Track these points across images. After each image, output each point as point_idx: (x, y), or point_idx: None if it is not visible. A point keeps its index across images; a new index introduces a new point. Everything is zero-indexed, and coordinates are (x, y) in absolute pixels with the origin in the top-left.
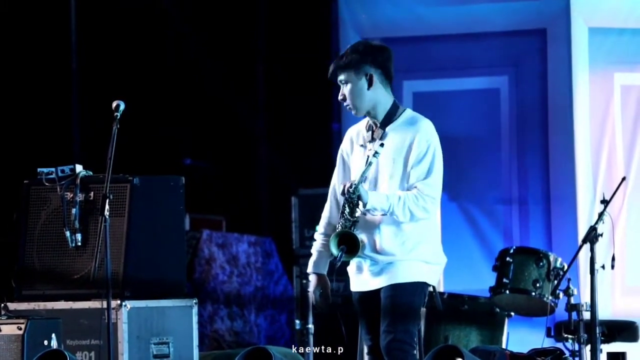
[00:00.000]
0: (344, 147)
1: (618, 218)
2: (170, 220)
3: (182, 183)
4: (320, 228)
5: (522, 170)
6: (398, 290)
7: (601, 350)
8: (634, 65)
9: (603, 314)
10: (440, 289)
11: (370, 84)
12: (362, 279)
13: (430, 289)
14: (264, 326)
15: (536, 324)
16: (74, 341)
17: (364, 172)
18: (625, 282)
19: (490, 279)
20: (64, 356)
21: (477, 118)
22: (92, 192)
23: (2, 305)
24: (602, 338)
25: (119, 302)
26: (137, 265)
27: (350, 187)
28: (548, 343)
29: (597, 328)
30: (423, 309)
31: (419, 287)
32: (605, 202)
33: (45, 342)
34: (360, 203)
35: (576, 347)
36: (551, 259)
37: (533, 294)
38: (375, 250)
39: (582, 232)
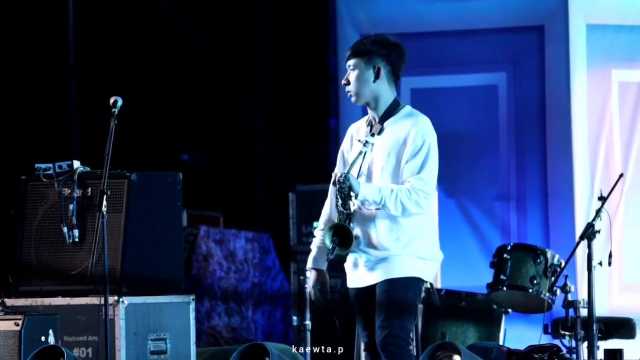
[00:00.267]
0: (344, 144)
1: (615, 215)
2: (167, 217)
3: (179, 179)
4: (320, 224)
5: (519, 167)
6: (393, 285)
7: (598, 347)
8: (632, 62)
9: (600, 310)
10: (438, 285)
11: (377, 77)
12: (358, 274)
13: (427, 285)
14: (261, 322)
15: (533, 321)
16: (71, 337)
17: (354, 161)
18: (623, 279)
19: (488, 276)
20: (61, 352)
21: (475, 114)
22: (89, 188)
23: (0, 301)
24: (599, 335)
25: (116, 298)
26: (134, 262)
27: (341, 176)
28: (545, 340)
29: (594, 325)
30: (420, 306)
31: (414, 282)
32: (602, 199)
33: (43, 338)
34: (352, 194)
35: (573, 343)
36: (548, 255)
37: (530, 290)
38: (370, 245)
39: (579, 229)
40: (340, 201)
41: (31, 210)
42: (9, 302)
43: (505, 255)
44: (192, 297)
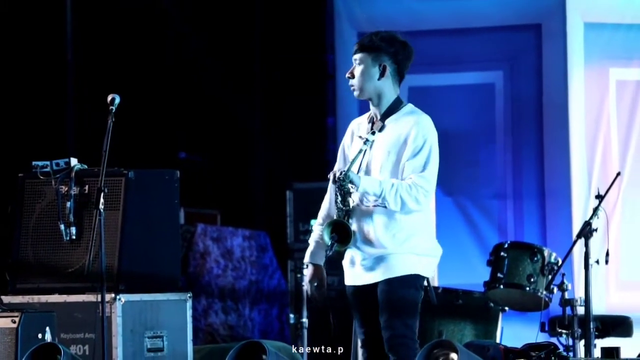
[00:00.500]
0: (345, 140)
1: (613, 213)
2: (165, 214)
3: (177, 177)
4: (319, 219)
5: (516, 165)
6: (393, 284)
7: (595, 345)
8: (630, 60)
9: (597, 309)
10: (435, 283)
11: (382, 75)
12: (355, 272)
13: (425, 282)
14: (258, 320)
15: (530, 319)
16: (68, 334)
17: (354, 159)
18: (620, 277)
19: (485, 274)
20: (58, 349)
21: (472, 113)
22: (86, 186)
23: None
24: (596, 333)
25: (113, 295)
26: (131, 259)
27: (341, 174)
28: (542, 338)
29: (591, 323)
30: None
31: (413, 279)
32: (600, 197)
33: (40, 336)
34: (353, 189)
35: (570, 342)
36: (545, 253)
37: (527, 288)
38: (367, 241)
39: (576, 227)
40: (339, 198)
41: (28, 208)
42: (6, 299)
43: (502, 254)
44: (189, 294)
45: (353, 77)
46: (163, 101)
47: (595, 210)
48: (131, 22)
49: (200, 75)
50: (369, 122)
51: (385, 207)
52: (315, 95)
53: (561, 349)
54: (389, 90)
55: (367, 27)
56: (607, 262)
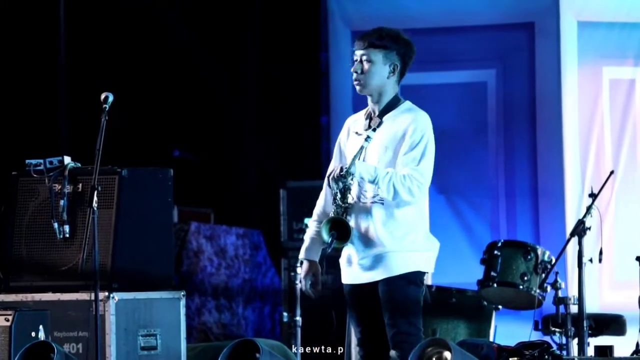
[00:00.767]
0: (341, 136)
1: (606, 212)
2: (158, 212)
3: (170, 175)
4: (314, 215)
5: (509, 164)
6: (393, 283)
7: (588, 344)
8: (623, 59)
9: (590, 307)
10: (428, 282)
11: (392, 73)
12: (352, 271)
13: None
14: (252, 318)
15: (524, 317)
16: (61, 333)
17: (355, 157)
18: (613, 276)
19: (478, 272)
20: (51, 348)
21: (465, 111)
22: (80, 184)
23: None
24: (590, 331)
25: (106, 294)
26: (125, 257)
27: (341, 170)
28: (535, 336)
29: (585, 321)
30: None
31: (413, 276)
32: (593, 196)
33: (33, 334)
34: (351, 181)
35: (563, 340)
36: (539, 252)
37: (521, 287)
38: (364, 239)
39: (570, 226)
40: (339, 195)
41: (22, 206)
42: None
43: (495, 252)
44: (182, 293)
45: (362, 72)
46: (157, 99)
47: (589, 208)
48: (124, 20)
49: (193, 73)
50: (366, 119)
51: (382, 203)
52: (309, 93)
53: (554, 347)
54: (391, 87)
55: (360, 25)
56: (600, 260)
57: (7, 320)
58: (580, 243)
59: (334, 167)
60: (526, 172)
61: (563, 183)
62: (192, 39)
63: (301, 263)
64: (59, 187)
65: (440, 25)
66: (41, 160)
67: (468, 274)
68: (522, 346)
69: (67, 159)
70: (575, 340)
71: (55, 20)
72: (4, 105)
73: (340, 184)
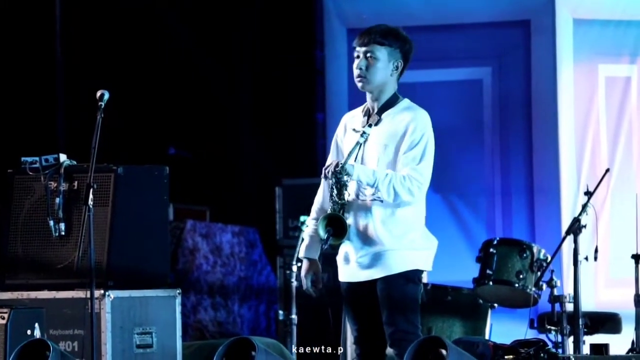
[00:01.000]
0: (338, 133)
1: (602, 210)
2: (154, 210)
3: (166, 173)
4: (313, 213)
5: (504, 162)
6: (392, 282)
7: (584, 342)
8: (619, 56)
9: (586, 305)
10: (424, 280)
11: (395, 71)
12: (350, 269)
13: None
14: (247, 316)
15: (519, 315)
16: (57, 331)
17: (351, 151)
18: (609, 274)
19: (474, 270)
20: (47, 346)
21: (460, 109)
22: (76, 182)
23: None
24: (585, 330)
25: (102, 291)
26: (120, 255)
27: (337, 166)
28: (531, 334)
29: (580, 320)
30: None
31: (412, 275)
32: (589, 194)
33: (29, 332)
34: (348, 180)
35: (559, 338)
36: (534, 250)
37: (516, 285)
38: (362, 237)
39: (565, 224)
40: (335, 191)
41: (17, 204)
42: None
43: (491, 250)
44: (178, 291)
45: (366, 69)
46: (152, 97)
47: (584, 206)
48: (121, 18)
49: (189, 71)
50: (364, 115)
51: (381, 201)
52: (305, 91)
53: (550, 345)
54: (392, 85)
55: (356, 23)
56: (595, 258)
57: (3, 318)
58: (575, 241)
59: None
60: (522, 170)
61: (559, 181)
62: (188, 36)
63: (300, 261)
64: (55, 184)
65: (436, 23)
66: (37, 158)
67: (464, 272)
68: (518, 344)
69: (62, 157)
70: (571, 339)
71: (51, 17)
72: None
73: (334, 180)
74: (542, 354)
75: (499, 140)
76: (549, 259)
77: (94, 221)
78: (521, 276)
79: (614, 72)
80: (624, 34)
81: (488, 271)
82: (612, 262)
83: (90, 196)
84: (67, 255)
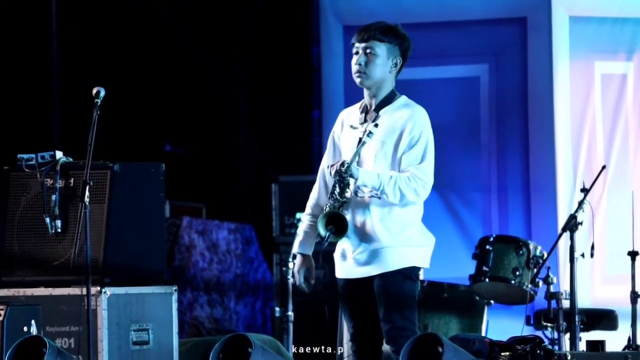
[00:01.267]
0: (335, 129)
1: (598, 207)
2: (150, 207)
3: (162, 170)
4: (308, 209)
5: (501, 159)
6: (389, 279)
7: (580, 339)
8: (615, 54)
9: (582, 302)
10: (420, 277)
11: (394, 67)
12: (347, 265)
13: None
14: (244, 313)
15: (516, 312)
16: (53, 327)
17: (356, 152)
18: (605, 271)
19: (470, 267)
20: (43, 343)
21: (457, 106)
22: (72, 179)
23: None
24: (582, 326)
25: (98, 288)
26: (117, 252)
27: (342, 165)
28: (527, 331)
29: (577, 316)
30: None
31: (409, 272)
32: (585, 191)
33: (25, 329)
34: (351, 180)
35: (555, 335)
36: (531, 247)
37: (513, 282)
38: (360, 234)
39: (561, 221)
40: (337, 189)
41: (13, 201)
42: None
43: (487, 247)
44: (174, 287)
45: (366, 65)
46: (148, 94)
47: (581, 203)
48: (117, 15)
49: (185, 68)
50: (361, 112)
51: (379, 197)
52: (301, 88)
53: (546, 342)
54: (390, 82)
55: (352, 20)
56: (592, 255)
57: None
58: (572, 238)
59: (336, 160)
60: (518, 167)
61: (555, 178)
62: (184, 34)
63: (294, 257)
64: (51, 181)
65: (432, 20)
66: (33, 155)
67: (460, 268)
68: (514, 341)
69: (59, 154)
70: (567, 335)
71: (47, 14)
72: None
73: (337, 178)
74: (538, 351)
75: (496, 137)
76: (545, 255)
77: (90, 218)
78: (517, 273)
79: (610, 70)
80: (620, 32)
81: (484, 268)
82: (609, 259)
83: (87, 193)
84: (63, 252)
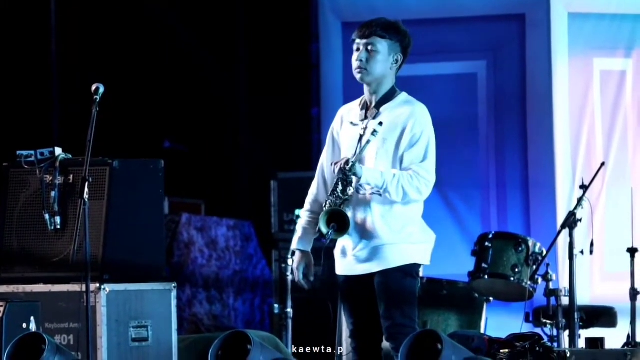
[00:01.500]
0: (335, 125)
1: (597, 203)
2: (149, 204)
3: (161, 166)
4: (307, 205)
5: (499, 156)
6: (389, 276)
7: (579, 336)
8: (614, 50)
9: (582, 299)
10: (419, 273)
11: (394, 64)
12: (347, 262)
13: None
14: (243, 310)
15: (515, 309)
16: (52, 324)
17: (362, 150)
18: (604, 268)
19: (469, 264)
20: (42, 339)
21: (455, 103)
22: (71, 175)
23: None
24: (581, 323)
25: (97, 285)
26: (116, 249)
27: (347, 163)
28: (527, 328)
29: (576, 313)
30: None
31: (409, 269)
32: (584, 188)
33: (24, 325)
34: (354, 179)
35: (555, 332)
36: (530, 244)
37: (512, 279)
38: (360, 231)
39: (561, 217)
40: (340, 187)
41: (13, 197)
42: None
43: (486, 244)
44: (173, 284)
45: (367, 61)
46: (148, 91)
47: (580, 200)
48: (115, 12)
49: (184, 65)
50: (361, 109)
51: (380, 195)
52: (300, 85)
53: (546, 339)
54: (390, 78)
55: (351, 17)
56: (591, 252)
57: None
58: (571, 235)
59: (335, 156)
60: (517, 164)
61: (554, 175)
62: (183, 30)
63: (293, 253)
64: (50, 178)
65: (431, 16)
66: (32, 152)
67: (459, 265)
68: (513, 338)
69: (58, 150)
70: (566, 332)
71: (46, 11)
72: None
73: (341, 175)
74: (537, 348)
75: (494, 134)
76: (545, 252)
77: (90, 215)
78: (517, 270)
79: (609, 66)
80: (619, 28)
81: (483, 265)
82: (608, 255)
83: (86, 190)
84: (62, 248)
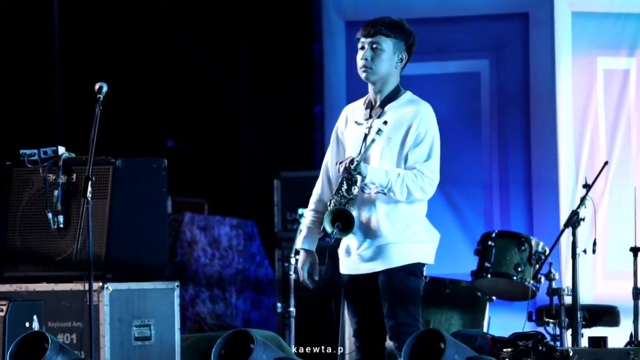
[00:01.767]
0: (339, 124)
1: (600, 202)
2: (152, 203)
3: (164, 165)
4: (311, 204)
5: (503, 155)
6: (393, 275)
7: (582, 335)
8: (617, 49)
9: (584, 298)
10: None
11: (399, 63)
12: (351, 261)
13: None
14: (245, 309)
15: (517, 308)
16: (55, 323)
17: (367, 149)
18: (607, 267)
19: (472, 263)
20: (45, 338)
21: (458, 102)
22: (74, 174)
23: None
24: (584, 322)
25: (100, 284)
26: (119, 248)
27: (352, 162)
28: (529, 327)
29: (579, 312)
30: None
31: (414, 268)
32: (587, 187)
33: (27, 324)
34: (359, 177)
35: (557, 331)
36: (533, 243)
37: (515, 278)
38: (365, 230)
39: (564, 216)
40: (345, 186)
41: (16, 196)
42: None
43: (489, 243)
44: (176, 283)
45: (372, 60)
46: (151, 90)
47: (583, 199)
48: (118, 11)
49: (187, 64)
50: (366, 108)
51: (384, 194)
52: (303, 84)
53: (548, 338)
54: (395, 78)
55: (354, 16)
56: (594, 251)
57: (1, 311)
58: (574, 234)
59: (340, 156)
60: (520, 163)
61: (557, 174)
62: (186, 30)
63: (297, 252)
64: (53, 177)
65: (434, 15)
66: (35, 151)
67: (462, 264)
68: (516, 337)
69: (61, 149)
70: (569, 331)
71: (49, 10)
72: None
73: (346, 175)
74: (540, 347)
75: (497, 133)
76: (548, 251)
77: (93, 213)
78: (519, 269)
79: (612, 65)
80: (622, 27)
81: (486, 264)
82: (611, 254)
83: (89, 188)
84: (65, 247)
